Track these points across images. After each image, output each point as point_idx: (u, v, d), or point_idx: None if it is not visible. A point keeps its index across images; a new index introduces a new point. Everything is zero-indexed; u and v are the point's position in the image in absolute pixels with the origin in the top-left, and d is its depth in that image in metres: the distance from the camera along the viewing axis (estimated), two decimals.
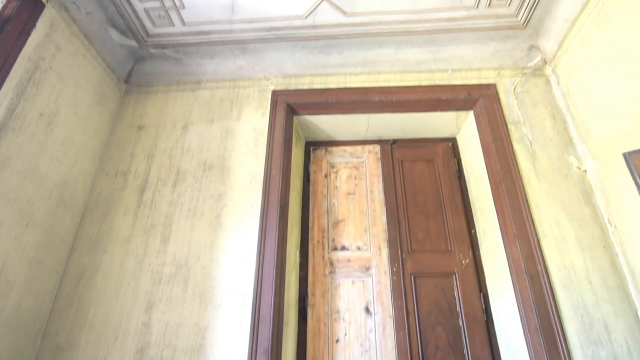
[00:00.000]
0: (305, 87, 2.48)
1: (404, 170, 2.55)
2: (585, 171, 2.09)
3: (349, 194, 2.50)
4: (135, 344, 1.82)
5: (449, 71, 2.47)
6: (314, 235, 2.38)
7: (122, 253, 2.05)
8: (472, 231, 2.35)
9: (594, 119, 2.03)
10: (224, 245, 2.02)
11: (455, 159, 2.57)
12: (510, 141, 2.19)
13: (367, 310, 2.16)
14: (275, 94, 2.44)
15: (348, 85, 2.46)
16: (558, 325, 1.75)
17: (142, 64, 2.62)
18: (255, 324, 1.81)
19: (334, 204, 2.47)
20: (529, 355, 1.77)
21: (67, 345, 1.83)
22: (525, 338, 1.81)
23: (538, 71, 2.43)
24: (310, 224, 2.42)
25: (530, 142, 2.20)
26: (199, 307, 1.89)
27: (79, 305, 1.93)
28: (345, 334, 2.10)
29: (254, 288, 1.90)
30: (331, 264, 2.29)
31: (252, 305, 1.86)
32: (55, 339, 1.85)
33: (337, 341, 2.09)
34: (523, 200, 2.01)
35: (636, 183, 1.25)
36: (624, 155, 1.30)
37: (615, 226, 1.91)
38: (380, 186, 2.50)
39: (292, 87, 2.48)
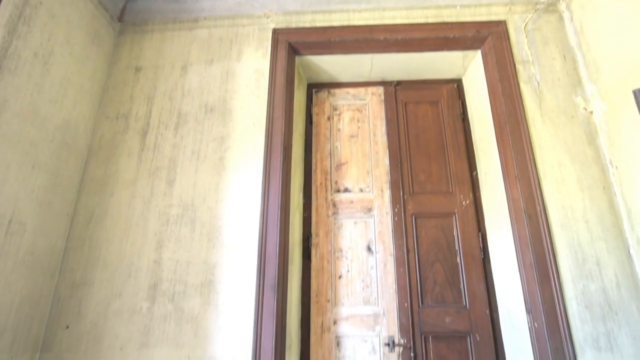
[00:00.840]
0: (307, 25, 2.38)
1: (408, 112, 2.52)
2: (592, 112, 2.07)
3: (352, 136, 2.49)
4: (148, 280, 1.91)
5: (458, 7, 2.36)
6: (317, 177, 2.40)
7: (128, 195, 2.08)
8: (474, 173, 2.37)
9: (606, 58, 1.97)
10: (228, 187, 2.05)
11: (460, 101, 2.53)
12: (518, 82, 2.15)
13: (369, 248, 2.24)
14: (275, 32, 2.35)
15: (351, 23, 2.36)
16: (552, 261, 1.82)
17: (135, 1, 2.49)
18: (262, 261, 1.89)
19: (336, 147, 2.47)
20: (522, 289, 1.87)
21: (83, 282, 1.93)
22: (520, 273, 1.89)
23: (551, 7, 2.32)
24: (313, 167, 2.43)
25: (538, 83, 2.15)
26: (207, 246, 1.96)
27: (91, 245, 1.99)
28: (348, 271, 2.20)
29: (259, 228, 1.95)
30: (334, 205, 2.34)
31: (258, 244, 1.93)
32: (71, 276, 1.94)
33: (340, 277, 2.19)
34: (526, 142, 2.01)
35: None
36: (634, 92, 1.28)
37: (616, 167, 1.93)
38: (383, 128, 2.48)
39: (294, 25, 2.38)
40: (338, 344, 2.08)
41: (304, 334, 2.11)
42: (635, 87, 1.54)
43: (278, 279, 1.87)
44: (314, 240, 2.27)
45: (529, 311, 1.82)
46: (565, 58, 2.19)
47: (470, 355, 2.02)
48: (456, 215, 2.27)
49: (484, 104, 2.25)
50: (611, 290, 1.78)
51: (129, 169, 2.13)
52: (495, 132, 2.10)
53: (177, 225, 2.01)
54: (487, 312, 2.08)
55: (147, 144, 2.18)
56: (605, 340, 1.71)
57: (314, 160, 2.45)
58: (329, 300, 2.15)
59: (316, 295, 2.16)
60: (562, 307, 1.75)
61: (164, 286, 1.90)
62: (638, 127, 1.75)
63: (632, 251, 1.83)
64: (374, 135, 2.47)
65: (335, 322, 2.11)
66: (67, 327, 1.85)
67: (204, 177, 2.09)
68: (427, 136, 2.46)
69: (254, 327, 1.79)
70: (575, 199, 1.93)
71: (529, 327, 1.81)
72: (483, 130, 2.28)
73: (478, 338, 2.04)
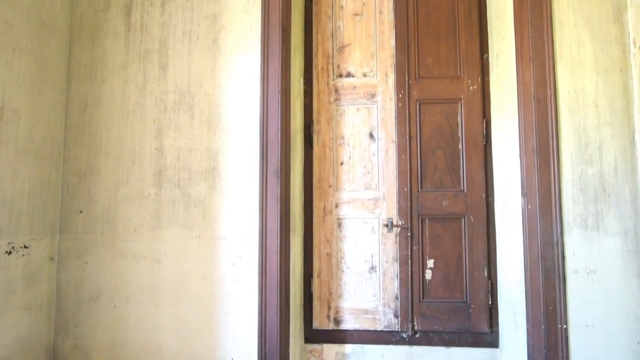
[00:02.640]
0: None
1: None
2: None
3: (356, 14, 2.28)
4: (152, 166, 1.94)
5: None
6: (318, 61, 2.27)
7: (121, 81, 1.98)
8: (485, 56, 2.22)
9: None
10: (225, 72, 1.95)
11: None
12: None
13: (371, 135, 2.22)
14: None
15: None
16: (555, 146, 1.82)
17: None
18: (264, 148, 1.89)
19: (339, 27, 2.28)
20: (520, 174, 1.90)
21: (89, 170, 1.95)
22: (520, 159, 1.90)
23: None
24: (314, 49, 2.28)
25: None
26: (208, 133, 1.94)
27: (90, 133, 1.97)
28: (350, 158, 2.22)
29: (260, 114, 1.91)
30: (336, 91, 2.25)
31: (260, 130, 1.90)
32: (75, 164, 1.96)
33: (342, 164, 2.22)
34: (547, 18, 1.84)
35: None
36: None
37: (639, 47, 1.80)
38: (391, 5, 2.25)
39: None
40: (339, 225, 2.20)
41: (307, 217, 2.22)
42: None
43: (281, 165, 1.89)
44: (315, 127, 2.25)
45: (524, 194, 1.88)
46: None
47: (463, 234, 2.15)
48: (462, 100, 2.20)
49: None
50: (608, 174, 1.82)
51: (117, 52, 1.99)
52: (514, 6, 1.91)
53: (176, 112, 1.96)
54: (484, 196, 2.16)
55: (133, 24, 2.00)
56: (593, 220, 1.80)
57: (314, 43, 2.28)
58: (330, 186, 2.21)
59: (318, 181, 2.22)
60: (557, 190, 1.80)
61: (169, 173, 1.93)
62: None
63: (636, 136, 1.82)
64: (380, 13, 2.26)
65: (337, 206, 2.21)
66: (81, 212, 1.93)
67: (199, 60, 1.97)
68: (438, 14, 2.24)
69: (259, 210, 1.87)
70: (589, 82, 1.85)
71: (522, 209, 1.89)
72: (501, 5, 2.08)
73: (472, 219, 2.15)
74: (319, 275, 2.18)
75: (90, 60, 2.00)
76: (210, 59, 1.96)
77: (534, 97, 1.85)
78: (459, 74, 2.22)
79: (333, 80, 2.26)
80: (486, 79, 2.21)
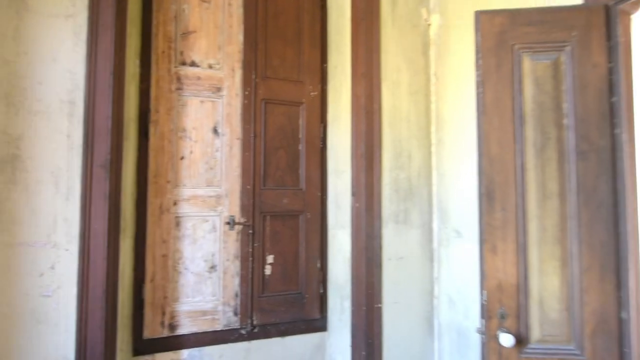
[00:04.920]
0: None
1: None
2: (430, 25, 2.30)
3: (203, 1, 2.14)
4: None
5: None
6: (159, 44, 2.04)
7: None
8: (325, 65, 2.42)
9: None
10: (37, 37, 1.56)
11: None
12: None
13: (215, 130, 2.14)
14: None
15: None
16: (378, 153, 2.12)
17: None
18: (90, 137, 1.60)
19: (184, 10, 2.10)
20: (351, 175, 2.15)
21: None
22: (352, 162, 2.16)
23: None
24: (154, 30, 2.04)
25: None
26: (7, 111, 1.52)
27: None
28: (191, 152, 2.09)
29: (84, 96, 1.61)
30: (179, 79, 2.07)
31: (84, 115, 1.60)
32: None
33: (182, 158, 2.07)
34: (376, 43, 2.12)
35: (477, 40, 1.45)
36: (476, 12, 1.47)
37: (437, 78, 2.27)
38: None
39: None
40: (178, 224, 2.05)
41: (140, 216, 1.98)
42: (473, 9, 1.73)
43: (111, 157, 1.64)
44: (153, 116, 2.02)
45: (354, 194, 2.13)
46: None
47: (301, 230, 2.30)
48: (304, 104, 2.34)
49: None
50: (414, 178, 2.23)
51: None
52: (352, 27, 2.14)
53: None
54: (319, 194, 2.35)
55: None
56: (403, 216, 2.18)
57: (154, 22, 2.04)
58: (169, 182, 2.04)
59: (155, 176, 2.01)
60: (379, 191, 2.11)
61: None
62: (461, 44, 2.05)
63: (432, 148, 2.28)
64: (230, 5, 2.19)
65: (175, 203, 2.04)
66: None
67: None
68: (286, 17, 2.32)
69: (81, 209, 1.58)
70: (404, 101, 2.22)
71: (352, 207, 2.14)
72: (340, 24, 2.29)
73: (309, 216, 2.32)
74: (152, 280, 1.98)
75: None
76: (13, 17, 1.53)
77: (364, 109, 2.11)
78: (301, 79, 2.34)
79: (175, 67, 2.07)
80: (325, 87, 2.41)
